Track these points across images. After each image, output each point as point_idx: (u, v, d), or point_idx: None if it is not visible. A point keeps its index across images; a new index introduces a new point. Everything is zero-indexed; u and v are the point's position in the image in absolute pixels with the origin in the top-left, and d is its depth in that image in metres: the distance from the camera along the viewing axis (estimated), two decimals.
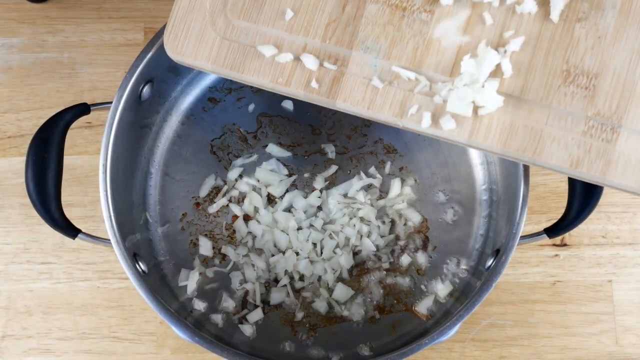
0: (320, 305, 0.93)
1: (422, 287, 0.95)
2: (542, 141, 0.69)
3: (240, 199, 0.97)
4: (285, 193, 0.97)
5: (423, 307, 0.93)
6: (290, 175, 0.98)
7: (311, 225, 0.95)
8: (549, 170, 0.70)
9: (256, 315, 0.93)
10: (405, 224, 0.97)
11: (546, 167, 0.70)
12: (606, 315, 0.99)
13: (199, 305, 0.93)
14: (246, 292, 0.94)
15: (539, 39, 0.70)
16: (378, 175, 0.98)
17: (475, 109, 0.70)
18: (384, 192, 0.98)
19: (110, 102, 0.85)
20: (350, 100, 0.71)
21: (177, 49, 0.73)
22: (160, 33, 0.85)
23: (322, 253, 0.94)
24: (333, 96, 0.71)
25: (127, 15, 1.08)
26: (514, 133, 0.70)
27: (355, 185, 0.96)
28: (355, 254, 0.95)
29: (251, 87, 1.00)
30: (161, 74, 0.91)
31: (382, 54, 0.71)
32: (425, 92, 0.71)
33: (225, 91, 1.00)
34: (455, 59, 0.71)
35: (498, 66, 0.70)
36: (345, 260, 0.94)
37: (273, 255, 0.95)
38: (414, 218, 0.96)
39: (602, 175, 0.69)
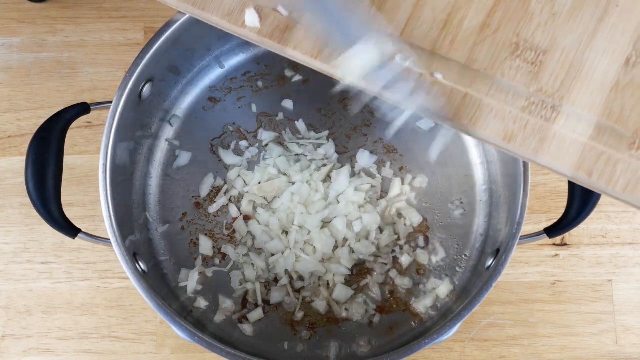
0: (320, 305, 0.93)
1: (422, 287, 0.95)
2: (479, 111, 0.68)
3: (240, 199, 0.97)
4: (284, 192, 0.97)
5: (423, 306, 0.93)
6: (290, 174, 0.98)
7: (311, 224, 0.95)
8: (482, 141, 0.70)
9: (256, 315, 0.93)
10: (405, 224, 0.96)
11: (479, 137, 0.69)
12: (606, 315, 0.99)
13: (200, 304, 0.93)
14: (246, 292, 0.94)
15: (493, 9, 0.69)
16: (378, 175, 0.98)
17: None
18: (384, 192, 0.98)
19: (110, 102, 0.85)
20: (300, 49, 0.71)
21: None
22: (160, 33, 0.85)
23: (322, 253, 0.94)
24: (285, 43, 0.72)
25: (127, 15, 1.08)
26: (454, 99, 0.69)
27: (354, 184, 0.96)
28: (355, 253, 0.95)
29: (251, 87, 1.00)
30: (161, 74, 0.91)
31: None
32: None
33: (226, 91, 1.00)
34: (407, 19, 0.70)
35: None
36: (345, 260, 0.94)
37: (273, 255, 0.95)
38: (414, 218, 0.96)
39: (534, 153, 0.67)
